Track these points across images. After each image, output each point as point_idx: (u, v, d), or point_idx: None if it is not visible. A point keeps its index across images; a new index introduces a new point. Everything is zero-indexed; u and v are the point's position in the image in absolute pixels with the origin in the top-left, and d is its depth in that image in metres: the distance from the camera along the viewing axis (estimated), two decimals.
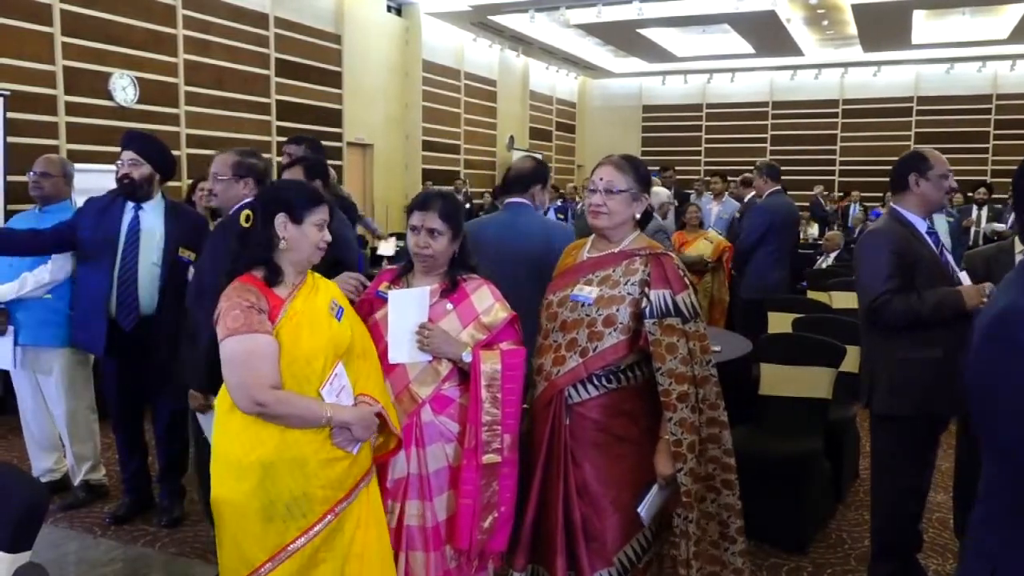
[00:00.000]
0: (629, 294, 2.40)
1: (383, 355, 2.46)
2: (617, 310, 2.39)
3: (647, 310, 2.36)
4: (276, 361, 2.18)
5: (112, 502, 4.08)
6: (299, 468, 2.16)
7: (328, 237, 2.31)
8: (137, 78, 8.48)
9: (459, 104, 14.60)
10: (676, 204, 7.89)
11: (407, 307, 2.42)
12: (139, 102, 8.51)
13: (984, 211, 9.49)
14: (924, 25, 13.66)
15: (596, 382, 2.42)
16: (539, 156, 3.26)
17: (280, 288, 2.27)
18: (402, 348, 2.42)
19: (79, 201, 4.12)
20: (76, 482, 4.14)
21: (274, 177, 3.81)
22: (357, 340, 2.36)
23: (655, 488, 2.37)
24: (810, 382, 3.93)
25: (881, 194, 12.69)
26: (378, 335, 2.48)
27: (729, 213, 8.12)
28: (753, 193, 7.22)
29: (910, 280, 2.84)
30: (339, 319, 2.31)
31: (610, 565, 2.40)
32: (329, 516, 2.20)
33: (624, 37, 15.04)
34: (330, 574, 2.21)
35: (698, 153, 18.13)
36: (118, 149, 3.87)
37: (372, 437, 2.27)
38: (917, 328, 2.80)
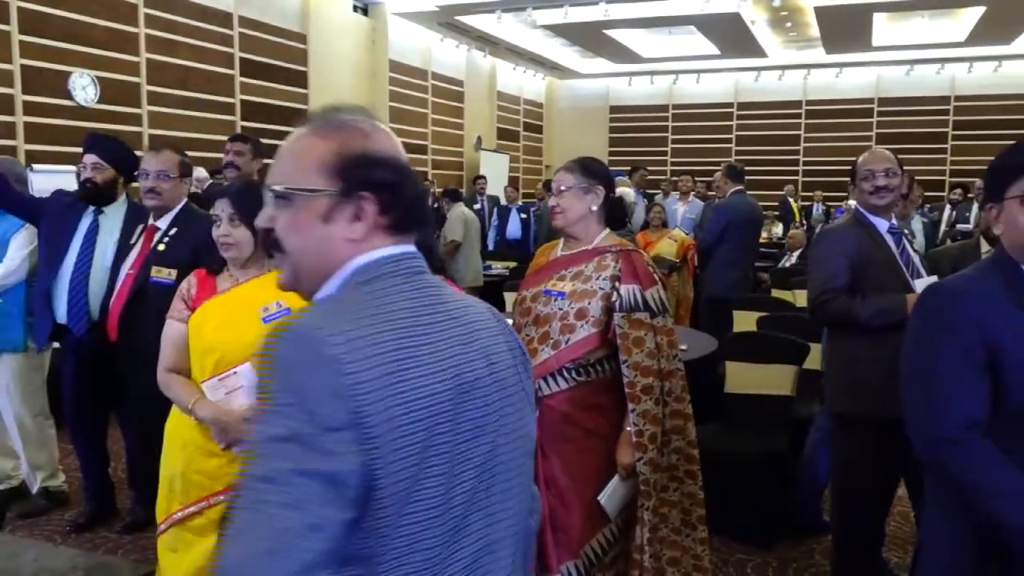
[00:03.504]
0: (601, 288, 2.43)
1: None
2: (589, 303, 2.42)
3: (616, 304, 2.40)
4: (181, 346, 2.40)
5: (73, 509, 4.01)
6: (181, 449, 2.38)
7: (218, 232, 2.38)
8: (98, 77, 8.34)
9: (426, 104, 14.55)
10: (645, 203, 7.95)
11: None
12: (100, 102, 8.37)
13: (955, 212, 9.67)
14: (884, 27, 13.88)
15: (566, 375, 2.44)
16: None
17: (224, 280, 2.45)
18: None
19: None
20: (34, 490, 4.06)
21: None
22: None
23: (616, 478, 2.40)
24: (774, 379, 3.98)
25: (844, 194, 12.87)
26: None
27: (695, 213, 8.21)
28: (714, 194, 7.32)
29: (859, 282, 2.83)
30: (267, 321, 2.34)
31: (576, 558, 2.42)
32: (203, 503, 2.33)
33: (591, 38, 15.10)
34: (211, 560, 2.27)
35: (664, 153, 18.25)
36: (79, 149, 3.80)
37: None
38: (868, 328, 2.78)
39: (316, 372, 0.93)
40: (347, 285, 1.10)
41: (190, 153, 3.65)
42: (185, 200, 3.52)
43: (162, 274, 3.28)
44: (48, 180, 5.56)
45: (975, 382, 1.61)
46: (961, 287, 1.71)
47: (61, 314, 3.61)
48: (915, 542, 3.65)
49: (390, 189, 1.12)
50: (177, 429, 2.42)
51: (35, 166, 6.57)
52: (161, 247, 3.38)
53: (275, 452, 0.91)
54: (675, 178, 9.38)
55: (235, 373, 2.32)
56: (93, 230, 3.67)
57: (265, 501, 0.90)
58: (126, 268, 3.46)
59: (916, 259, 2.97)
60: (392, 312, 1.05)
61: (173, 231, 3.41)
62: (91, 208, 3.70)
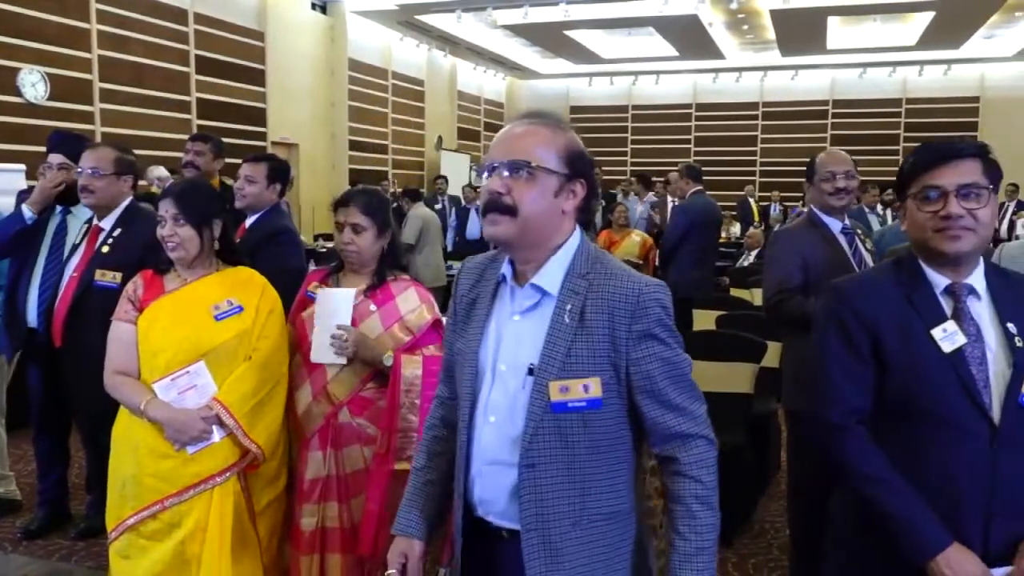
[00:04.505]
0: None
1: (308, 353, 2.43)
2: None
3: None
4: (129, 348, 2.36)
5: (25, 516, 3.91)
6: (132, 452, 2.33)
7: (162, 232, 2.37)
8: (48, 74, 8.15)
9: (386, 104, 14.47)
10: (603, 204, 8.02)
11: (332, 307, 2.41)
12: (50, 99, 8.17)
13: (889, 212, 9.83)
14: (838, 31, 14.14)
15: None
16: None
17: (171, 280, 2.43)
18: (324, 348, 2.40)
19: None
20: None
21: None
22: (245, 343, 2.37)
23: None
24: (733, 377, 4.02)
25: (801, 194, 13.06)
26: (303, 333, 2.46)
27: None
28: (653, 195, 7.43)
29: (813, 282, 2.87)
30: (220, 319, 2.34)
31: None
32: (157, 507, 2.29)
33: (551, 38, 15.14)
34: (166, 564, 2.30)
35: (624, 154, 18.38)
36: (27, 148, 3.70)
37: (203, 444, 2.30)
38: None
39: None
40: (587, 254, 1.55)
41: (146, 152, 3.57)
42: (129, 199, 3.44)
43: (106, 277, 3.22)
44: None
45: (860, 374, 1.70)
46: (853, 284, 1.81)
47: (32, 317, 3.51)
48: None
49: (590, 180, 1.56)
50: (127, 432, 2.37)
51: None
52: (105, 249, 3.31)
53: (685, 355, 1.56)
54: (631, 178, 9.49)
55: (187, 372, 2.30)
56: (61, 230, 3.58)
57: (690, 378, 1.58)
58: (69, 270, 3.37)
59: (868, 258, 3.03)
60: None
61: (117, 232, 3.33)
62: (58, 208, 3.60)
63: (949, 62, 15.96)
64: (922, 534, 1.61)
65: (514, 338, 1.54)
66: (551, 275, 1.53)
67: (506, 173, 1.50)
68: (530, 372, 1.50)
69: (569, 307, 1.49)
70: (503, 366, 1.54)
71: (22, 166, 6.36)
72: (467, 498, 1.59)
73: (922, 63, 16.11)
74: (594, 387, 1.47)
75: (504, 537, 1.55)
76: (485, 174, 1.53)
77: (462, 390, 1.60)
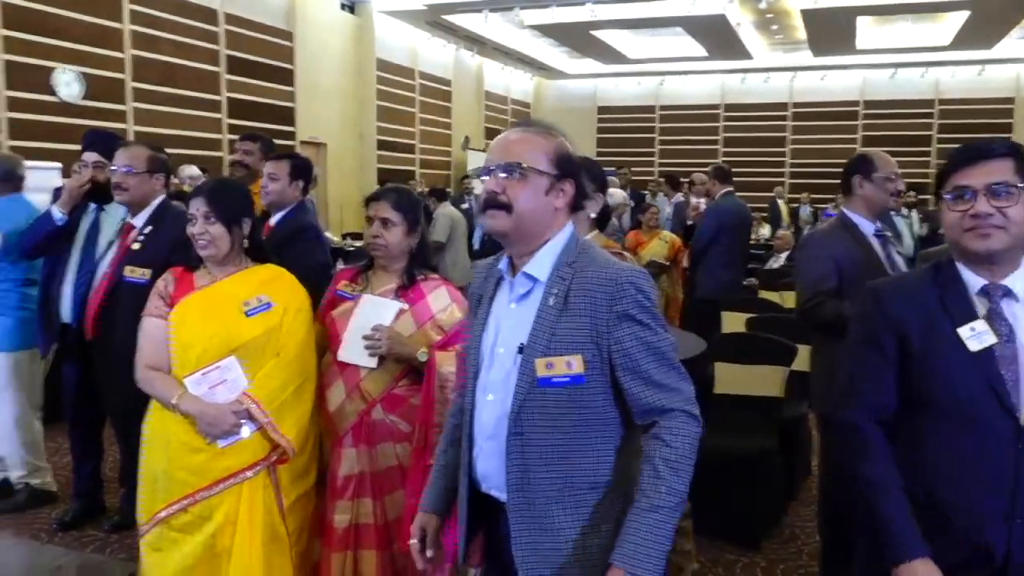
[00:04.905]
0: None
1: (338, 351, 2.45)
2: None
3: None
4: (160, 342, 2.38)
5: (60, 507, 3.97)
6: (164, 447, 2.35)
7: (193, 230, 2.39)
8: (82, 73, 8.27)
9: (414, 103, 14.52)
10: (632, 204, 7.99)
11: (374, 314, 2.42)
12: (85, 98, 8.30)
13: (914, 213, 9.68)
14: (869, 31, 13.98)
15: None
16: None
17: (201, 276, 2.45)
18: (354, 349, 2.42)
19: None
20: (16, 486, 4.01)
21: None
22: (274, 339, 2.39)
23: None
24: (763, 381, 3.99)
25: (831, 196, 12.93)
26: (334, 331, 2.47)
27: (680, 214, 8.27)
28: (681, 195, 7.37)
29: (846, 285, 2.85)
30: (251, 315, 2.36)
31: None
32: (187, 500, 2.32)
33: (578, 38, 15.12)
34: (197, 557, 2.32)
35: (652, 154, 18.30)
36: (63, 146, 3.76)
37: (234, 438, 2.33)
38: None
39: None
40: (575, 245, 1.67)
41: (178, 151, 3.62)
42: (162, 197, 3.49)
43: (136, 273, 3.26)
44: (34, 177, 5.50)
45: (883, 374, 1.72)
46: (889, 286, 1.82)
47: (66, 312, 3.58)
48: None
49: (578, 180, 1.69)
50: (159, 427, 2.40)
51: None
52: (136, 246, 3.36)
53: (667, 336, 1.62)
54: (660, 179, 9.47)
55: (218, 368, 2.33)
56: (95, 228, 3.63)
57: (672, 358, 1.62)
58: (104, 267, 3.43)
59: (900, 261, 3.01)
60: None
61: (148, 229, 3.38)
62: (92, 206, 3.66)
63: (983, 62, 15.71)
64: (897, 539, 1.62)
65: (511, 324, 1.67)
66: (541, 264, 1.65)
67: (502, 175, 1.63)
68: (520, 351, 1.62)
69: (555, 291, 1.62)
70: (501, 349, 1.68)
71: (58, 164, 6.48)
72: (472, 475, 1.72)
73: (955, 63, 15.87)
74: (577, 364, 1.58)
75: (506, 511, 1.65)
76: (484, 176, 1.66)
77: (468, 374, 1.75)
